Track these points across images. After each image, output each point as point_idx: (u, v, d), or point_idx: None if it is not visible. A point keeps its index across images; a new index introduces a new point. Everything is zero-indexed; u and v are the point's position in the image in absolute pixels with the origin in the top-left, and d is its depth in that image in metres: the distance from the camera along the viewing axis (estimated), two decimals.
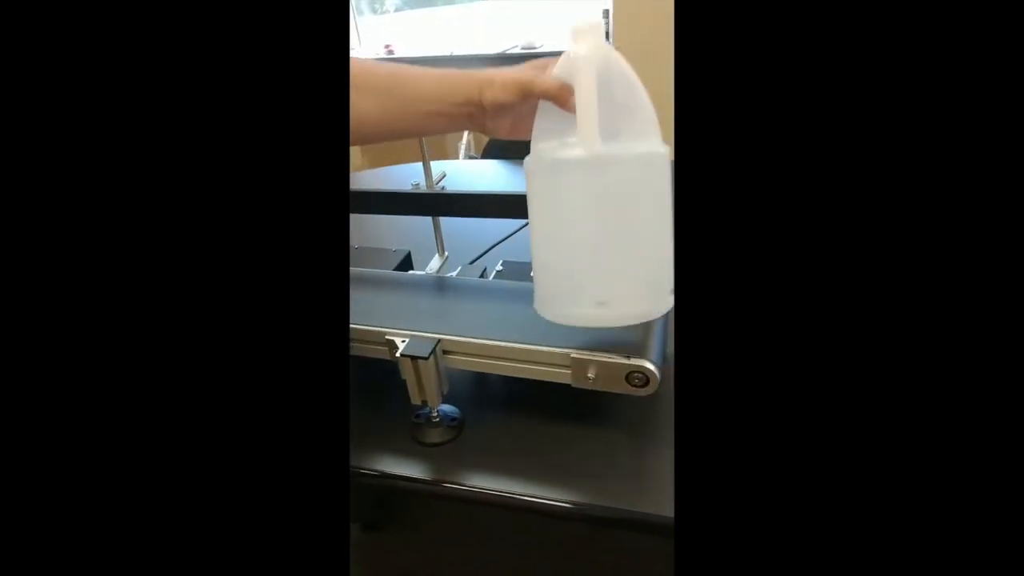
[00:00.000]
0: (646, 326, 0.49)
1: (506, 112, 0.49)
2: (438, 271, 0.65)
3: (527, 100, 0.47)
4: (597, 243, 0.43)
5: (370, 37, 2.45)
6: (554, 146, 0.45)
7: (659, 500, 0.45)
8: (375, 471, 0.50)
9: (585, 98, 0.43)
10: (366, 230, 0.75)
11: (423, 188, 0.60)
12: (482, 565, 0.52)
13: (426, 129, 0.51)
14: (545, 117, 0.46)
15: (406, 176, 1.04)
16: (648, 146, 0.44)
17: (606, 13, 1.60)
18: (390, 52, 2.16)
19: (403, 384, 0.50)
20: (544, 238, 0.46)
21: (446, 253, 0.67)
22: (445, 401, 0.52)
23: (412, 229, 0.73)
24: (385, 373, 0.52)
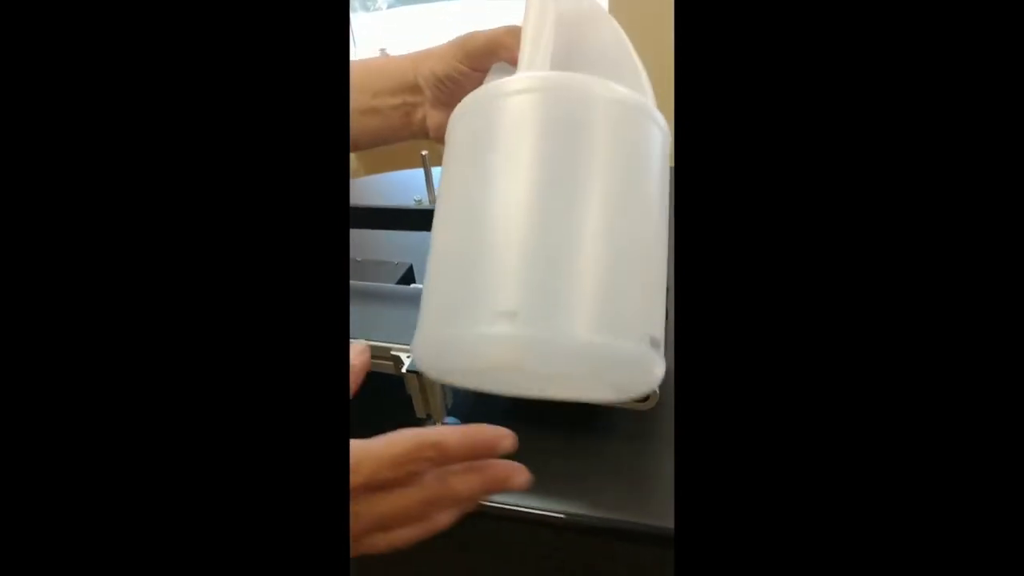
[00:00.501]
0: None
1: (450, 95, 0.38)
2: None
3: (472, 63, 0.37)
4: (524, 214, 0.25)
5: (363, 36, 2.43)
6: (487, 87, 0.31)
7: (660, 511, 0.46)
8: None
9: (536, 10, 0.31)
10: (367, 242, 0.76)
11: (426, 204, 0.61)
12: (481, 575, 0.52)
13: (355, 132, 0.41)
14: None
15: (405, 184, 1.05)
16: (630, 93, 0.29)
17: None
18: (385, 55, 2.11)
19: (407, 396, 0.51)
20: (450, 216, 0.29)
21: None
22: (449, 414, 0.53)
23: (413, 241, 0.73)
24: (390, 384, 0.53)
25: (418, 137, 0.42)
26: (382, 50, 2.15)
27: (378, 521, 0.28)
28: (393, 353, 0.51)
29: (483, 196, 0.27)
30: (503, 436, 0.30)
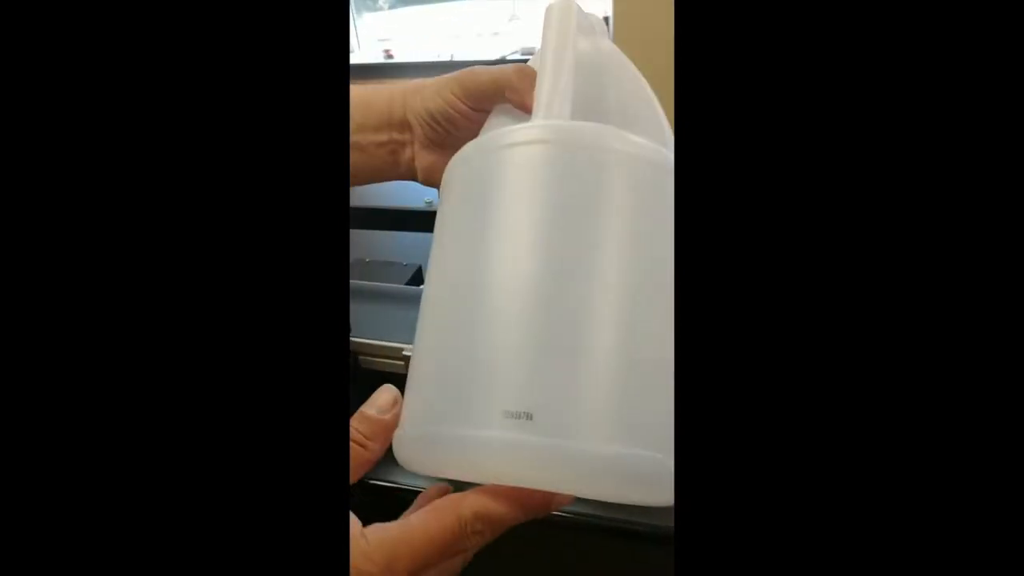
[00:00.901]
0: None
1: (443, 135, 0.34)
2: None
3: (472, 102, 0.33)
4: (536, 295, 0.22)
5: (365, 35, 2.42)
6: (494, 135, 0.27)
7: (663, 511, 0.47)
8: (389, 482, 0.51)
9: (554, 50, 0.28)
10: (375, 243, 0.77)
11: (436, 205, 0.61)
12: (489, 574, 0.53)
13: None
14: (496, 126, 0.31)
15: (414, 184, 1.04)
16: (653, 148, 0.26)
17: (606, 21, 1.60)
18: (389, 56, 2.10)
19: None
20: (445, 288, 0.26)
21: None
22: None
23: (423, 242, 0.74)
24: (400, 385, 0.54)
25: (404, 179, 0.37)
26: (386, 51, 2.14)
27: None
28: (405, 353, 0.52)
29: (486, 268, 0.23)
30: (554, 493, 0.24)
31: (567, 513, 0.48)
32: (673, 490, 0.23)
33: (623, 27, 0.68)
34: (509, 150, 0.25)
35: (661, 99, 0.31)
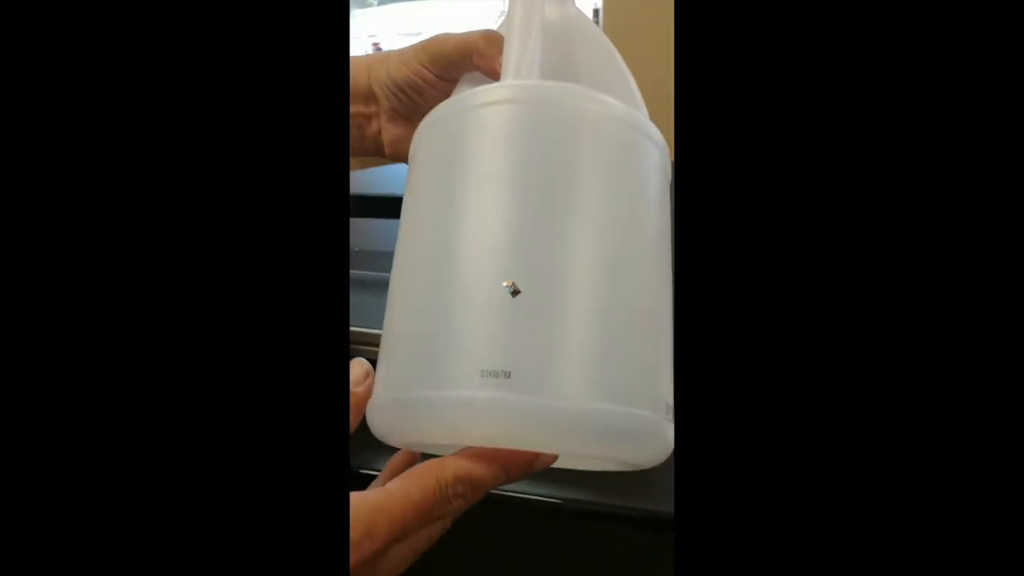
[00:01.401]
0: None
1: (411, 106, 0.33)
2: None
3: (439, 69, 0.32)
4: (510, 252, 0.22)
5: (356, 31, 2.41)
6: (462, 96, 0.27)
7: (661, 496, 0.47)
8: (379, 471, 0.51)
9: (521, 14, 0.27)
10: (367, 232, 0.76)
11: None
12: (481, 563, 0.53)
13: None
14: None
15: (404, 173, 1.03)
16: (624, 108, 0.26)
17: (596, 13, 1.60)
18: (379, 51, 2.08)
19: None
20: (416, 251, 0.25)
21: None
22: None
23: None
24: None
25: (370, 154, 0.36)
26: (375, 44, 2.13)
27: (404, 561, 0.25)
28: None
29: (457, 229, 0.23)
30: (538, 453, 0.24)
31: (556, 499, 0.48)
32: (650, 447, 0.23)
33: (613, 18, 0.68)
34: (478, 111, 0.25)
35: (655, 93, 0.32)
